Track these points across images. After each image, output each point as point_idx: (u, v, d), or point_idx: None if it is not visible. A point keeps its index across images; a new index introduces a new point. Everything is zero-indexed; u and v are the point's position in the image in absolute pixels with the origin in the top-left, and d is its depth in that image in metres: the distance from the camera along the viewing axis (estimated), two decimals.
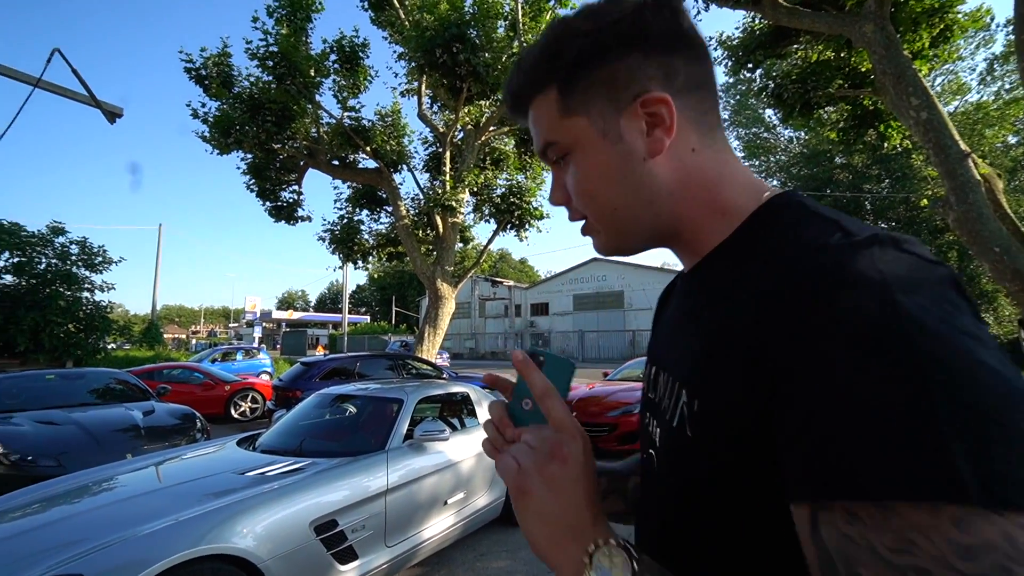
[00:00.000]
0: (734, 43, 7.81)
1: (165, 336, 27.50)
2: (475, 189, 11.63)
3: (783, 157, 26.02)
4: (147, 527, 2.16)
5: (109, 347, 15.68)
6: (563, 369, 0.51)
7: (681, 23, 0.51)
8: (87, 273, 13.74)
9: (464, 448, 3.76)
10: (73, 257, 13.51)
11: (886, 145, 8.14)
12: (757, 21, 7.36)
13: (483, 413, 4.35)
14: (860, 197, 23.25)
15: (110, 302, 14.84)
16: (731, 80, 22.52)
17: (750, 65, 7.74)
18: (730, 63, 7.89)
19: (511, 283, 39.33)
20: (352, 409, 4.14)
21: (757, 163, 26.27)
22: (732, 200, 0.52)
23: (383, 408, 3.85)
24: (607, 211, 0.53)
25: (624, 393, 6.66)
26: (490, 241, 12.38)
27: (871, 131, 7.94)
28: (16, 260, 12.65)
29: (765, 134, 25.94)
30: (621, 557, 0.42)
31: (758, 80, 8.53)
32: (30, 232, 13.04)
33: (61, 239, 13.42)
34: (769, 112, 20.59)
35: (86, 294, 13.74)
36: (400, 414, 3.59)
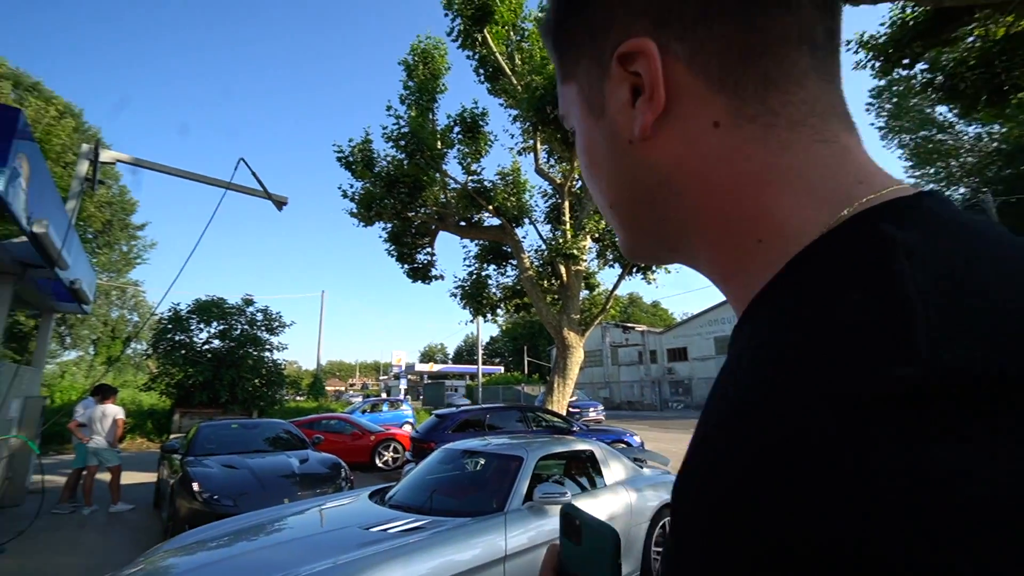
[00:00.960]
0: (880, 41, 6.83)
1: (327, 388, 31.19)
2: (596, 235, 11.56)
3: (971, 159, 21.62)
4: (285, 574, 2.31)
5: (284, 399, 18.21)
6: (603, 538, 0.49)
7: None
8: (268, 336, 16.37)
9: (590, 511, 3.48)
10: (258, 323, 16.25)
11: None
12: (909, 11, 6.37)
13: (609, 473, 4.04)
14: None
15: (285, 360, 17.37)
16: (882, 83, 19.75)
17: (906, 61, 6.66)
18: (878, 64, 6.89)
19: (644, 328, 37.72)
20: (474, 465, 4.13)
21: (933, 171, 22.23)
22: (778, 210, 0.30)
23: (503, 466, 3.77)
24: (603, 206, 0.39)
25: None
26: (616, 286, 12.07)
27: None
28: (221, 328, 15.60)
29: (940, 136, 22.00)
30: None
31: (919, 76, 7.29)
32: (230, 304, 16.07)
33: (250, 308, 16.30)
34: (942, 109, 17.44)
35: (267, 354, 16.29)
36: (520, 473, 3.47)
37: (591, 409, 19.67)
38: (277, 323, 16.49)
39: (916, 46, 6.34)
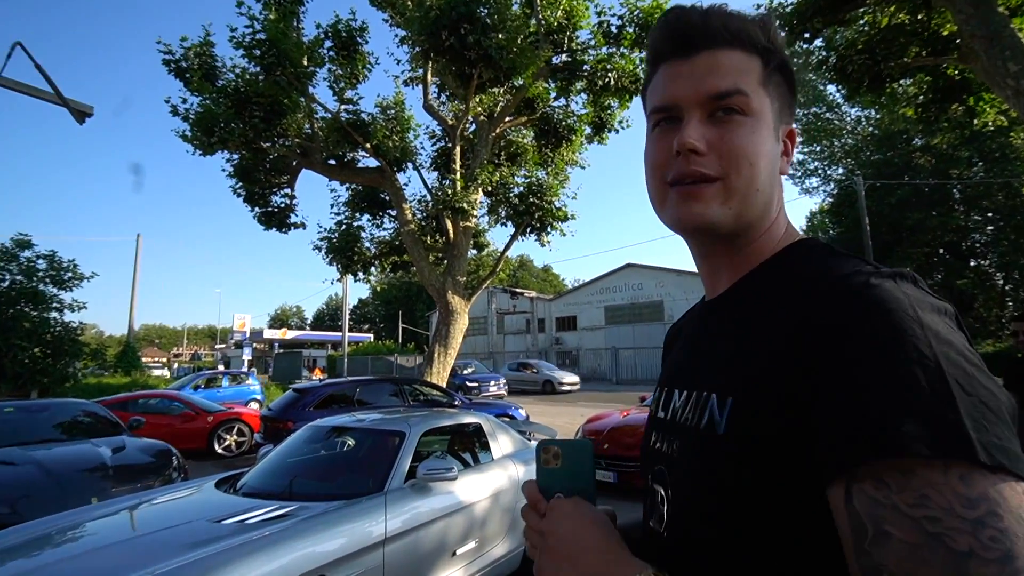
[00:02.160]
0: (787, 10, 7.69)
1: (144, 360, 28.16)
2: (489, 188, 11.65)
3: (850, 140, 25.50)
4: None
5: (79, 373, 16.05)
6: (582, 450, 0.66)
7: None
8: (55, 291, 14.14)
9: (477, 488, 3.68)
10: (40, 273, 13.93)
11: (976, 122, 7.89)
12: None
13: (497, 447, 4.27)
14: (946, 185, 22.57)
15: (81, 323, 15.23)
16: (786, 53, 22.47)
17: (807, 35, 7.60)
18: (783, 33, 7.77)
19: (533, 294, 39.29)
20: (348, 444, 4.10)
21: (819, 148, 25.82)
22: (782, 229, 0.68)
23: (382, 442, 3.80)
24: (752, 184, 0.63)
25: None
26: (507, 247, 12.37)
27: (957, 106, 7.72)
28: None
29: (828, 114, 25.50)
30: None
31: (816, 53, 8.37)
32: None
33: (27, 253, 13.86)
34: (832, 88, 20.24)
35: (54, 314, 14.14)
36: (402, 450, 3.53)
37: (492, 383, 19.57)
38: (69, 274, 14.30)
39: (817, 21, 7.25)
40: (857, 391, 0.46)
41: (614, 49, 11.59)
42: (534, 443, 4.82)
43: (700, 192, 0.62)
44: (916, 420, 0.43)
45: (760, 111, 0.63)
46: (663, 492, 0.65)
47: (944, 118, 8.12)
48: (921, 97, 7.97)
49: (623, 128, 12.28)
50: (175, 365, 43.02)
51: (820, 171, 26.20)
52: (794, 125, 0.70)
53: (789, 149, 0.69)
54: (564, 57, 11.89)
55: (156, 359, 47.62)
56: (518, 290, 40.80)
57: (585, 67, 11.36)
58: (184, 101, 10.28)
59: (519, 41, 9.59)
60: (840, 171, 26.05)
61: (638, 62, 11.18)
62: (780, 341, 0.54)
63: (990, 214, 23.62)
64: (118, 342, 25.74)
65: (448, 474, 3.33)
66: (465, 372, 20.70)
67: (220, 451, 9.76)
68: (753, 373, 0.56)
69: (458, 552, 3.40)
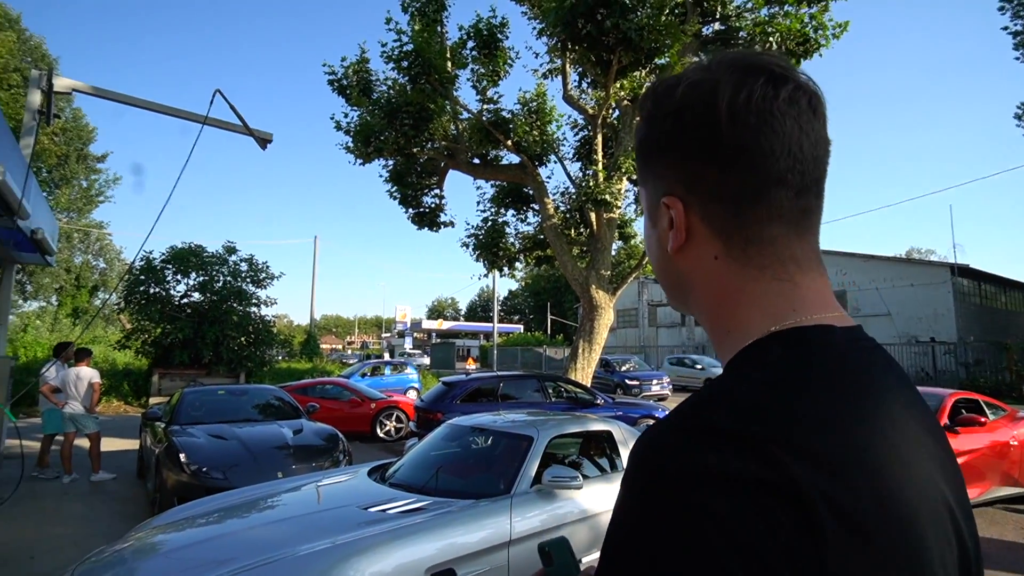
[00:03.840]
0: None
1: (322, 347, 32.28)
2: (634, 176, 11.46)
3: None
4: (280, 553, 2.65)
5: (273, 360, 19.04)
6: (561, 545, 0.90)
7: (721, 133, 0.56)
8: (254, 289, 16.96)
9: (603, 498, 3.78)
10: (243, 274, 16.81)
11: None
12: None
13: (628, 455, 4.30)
14: None
15: (275, 316, 18.06)
16: None
17: None
18: None
19: None
20: (482, 443, 4.45)
21: None
22: (743, 321, 0.58)
23: (512, 446, 4.07)
24: (655, 274, 0.69)
25: None
26: None
27: None
28: (201, 279, 16.22)
29: None
30: None
31: None
32: (210, 253, 16.61)
33: (233, 258, 16.83)
34: None
35: (254, 309, 16.95)
36: (529, 454, 3.76)
37: (654, 380, 18.45)
38: (264, 274, 17.05)
39: None
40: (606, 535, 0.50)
41: (776, 8, 10.65)
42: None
43: None
44: None
45: (643, 203, 0.69)
46: None
47: None
48: None
49: None
50: (348, 351, 48.75)
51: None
52: (670, 198, 0.61)
53: (671, 219, 0.60)
54: (716, 26, 11.22)
55: (333, 346, 54.39)
56: None
57: (741, 34, 10.63)
58: (346, 116, 11.65)
59: (662, 17, 9.27)
60: None
61: (807, 19, 10.15)
62: None
63: None
64: (302, 331, 29.89)
65: (573, 483, 3.48)
66: (623, 369, 19.85)
67: (381, 435, 10.99)
68: None
69: (582, 560, 3.54)
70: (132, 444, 9.79)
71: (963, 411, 6.70)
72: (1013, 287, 29.97)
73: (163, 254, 16.13)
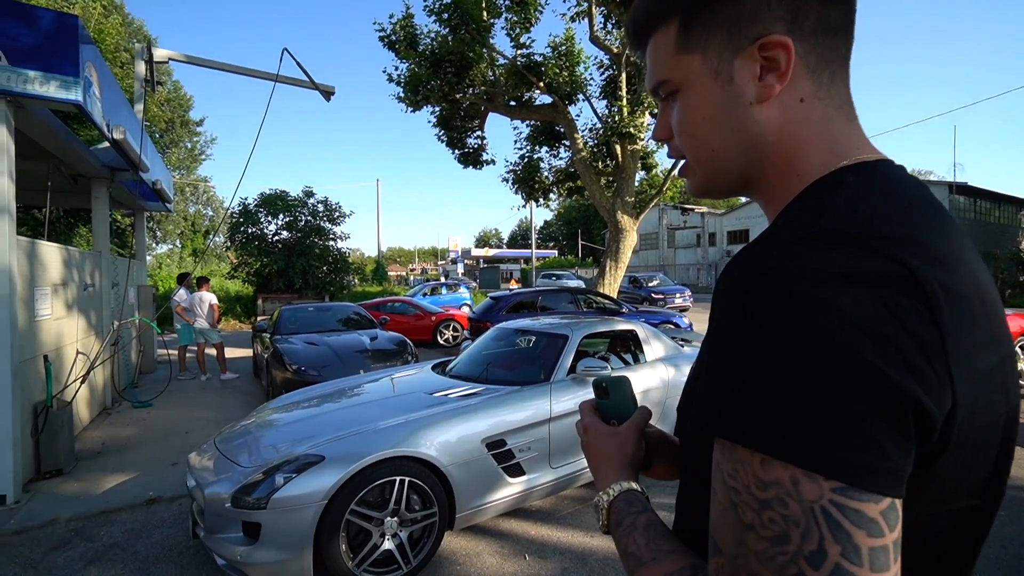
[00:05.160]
0: None
1: (389, 273, 33.09)
2: (655, 110, 10.78)
3: None
4: (365, 427, 2.84)
5: (351, 285, 19.70)
6: (621, 383, 0.78)
7: None
8: (330, 226, 17.27)
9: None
10: (320, 214, 17.08)
11: None
12: None
13: (651, 351, 4.32)
14: None
15: (349, 249, 18.49)
16: None
17: None
18: None
19: (704, 210, 36.11)
20: (525, 342, 4.54)
21: None
22: (809, 163, 0.51)
23: (551, 342, 4.13)
24: (705, 152, 0.56)
25: None
26: (674, 166, 11.49)
27: None
28: (287, 219, 16.60)
29: None
30: (605, 497, 0.64)
31: None
32: (293, 196, 16.86)
33: (312, 200, 17.05)
34: None
35: (331, 243, 17.35)
36: (565, 349, 3.82)
37: (678, 295, 17.76)
38: (338, 213, 17.29)
39: None
40: (709, 368, 0.45)
41: None
42: (687, 349, 4.76)
43: (684, 172, 0.61)
44: (737, 409, 0.41)
45: (686, 78, 0.54)
46: None
47: None
48: None
49: None
50: (411, 278, 49.87)
51: None
52: (778, 36, 0.49)
53: (777, 61, 0.49)
54: None
55: (398, 273, 55.74)
56: (688, 206, 37.83)
57: None
58: (396, 68, 11.22)
59: None
60: None
61: None
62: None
63: None
64: (372, 261, 30.59)
65: (603, 372, 3.54)
66: (651, 284, 19.31)
67: (441, 342, 11.39)
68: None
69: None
70: (247, 352, 10.50)
71: None
72: (1008, 202, 27.60)
73: (255, 200, 16.51)
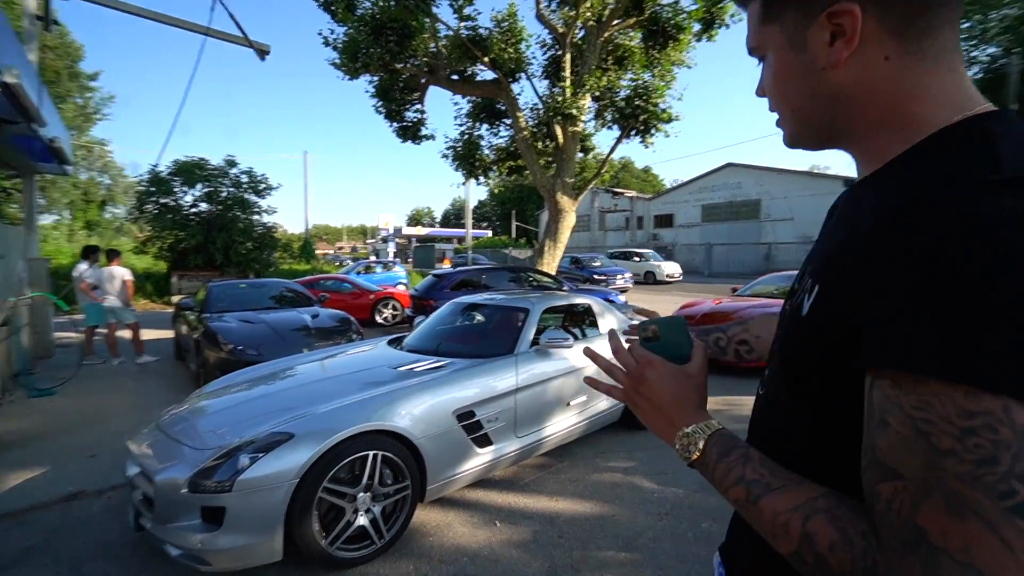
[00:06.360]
0: None
1: (317, 252, 31.53)
2: (597, 93, 10.94)
3: (1013, 11, 19.41)
4: (333, 403, 2.71)
5: (277, 262, 18.54)
6: (676, 324, 0.74)
7: None
8: (255, 199, 16.05)
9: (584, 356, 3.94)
10: (244, 185, 15.81)
11: None
12: None
13: (604, 323, 4.47)
14: None
15: (275, 223, 17.31)
16: None
17: None
18: None
19: (633, 194, 37.53)
20: (482, 317, 4.52)
21: (969, 25, 20.12)
22: (921, 114, 0.53)
23: (511, 316, 4.15)
24: (787, 111, 0.63)
25: (751, 310, 6.26)
26: (613, 149, 11.80)
27: None
28: (206, 190, 15.20)
29: None
30: (700, 432, 0.66)
31: None
32: (213, 166, 15.45)
33: (234, 170, 15.72)
34: None
35: (256, 217, 16.16)
36: (527, 322, 3.85)
37: (619, 276, 17.76)
38: (264, 185, 16.08)
39: None
40: (894, 305, 0.44)
41: None
42: (634, 322, 4.98)
43: (779, 124, 0.66)
44: (935, 342, 0.41)
45: (769, 46, 0.61)
46: (773, 360, 0.70)
47: None
48: None
49: (736, 22, 10.61)
50: (341, 256, 47.77)
51: (964, 52, 20.37)
52: (845, 4, 0.52)
53: (844, 28, 0.53)
54: None
55: (324, 251, 53.20)
56: (619, 190, 39.13)
57: None
58: (332, 32, 10.51)
59: None
60: (991, 50, 20.34)
61: None
62: (858, 250, 0.50)
63: None
64: (298, 238, 28.94)
65: (565, 343, 3.61)
66: (594, 265, 19.52)
67: (380, 321, 11.07)
68: (835, 272, 0.53)
69: (571, 403, 3.76)
70: (164, 333, 9.62)
71: None
72: None
73: (169, 167, 14.95)
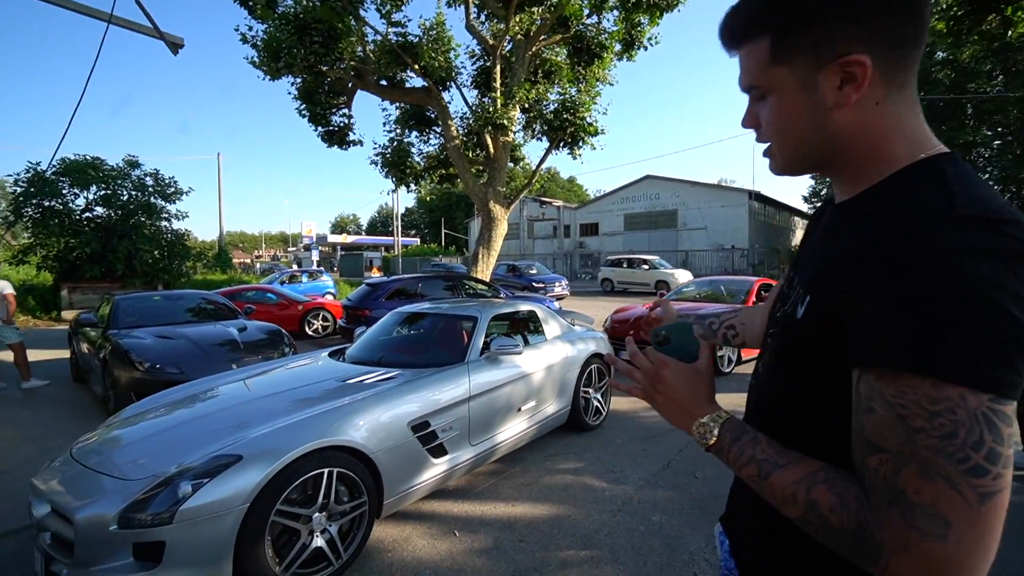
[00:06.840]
0: None
1: (234, 261, 29.37)
2: (526, 105, 11.18)
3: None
4: (280, 421, 2.54)
5: (190, 271, 17.04)
6: (683, 329, 0.85)
7: None
8: (163, 203, 14.68)
9: (534, 361, 4.02)
10: (149, 188, 14.40)
11: (1011, 33, 6.91)
12: None
13: (549, 330, 4.56)
14: (961, 99, 20.36)
15: (186, 230, 15.92)
16: None
17: None
18: None
19: (560, 203, 38.61)
20: (430, 325, 4.45)
21: None
22: (896, 152, 0.63)
23: (458, 325, 4.13)
24: (789, 147, 0.70)
25: (685, 312, 6.63)
26: (542, 160, 12.08)
27: (993, 17, 6.73)
28: (103, 193, 13.65)
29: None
30: (714, 421, 0.74)
31: None
32: (111, 166, 13.92)
33: (137, 172, 14.28)
34: None
35: (164, 223, 14.78)
36: (476, 330, 3.84)
37: (556, 283, 17.90)
38: (172, 189, 14.75)
39: None
40: (877, 316, 0.54)
41: None
42: (577, 328, 5.11)
43: (767, 154, 0.73)
44: (909, 345, 0.51)
45: (775, 86, 0.66)
46: (765, 354, 0.80)
47: (977, 31, 7.18)
48: (955, 9, 7.02)
49: (652, 45, 11.32)
50: (257, 265, 44.77)
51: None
52: (858, 55, 0.59)
53: (855, 75, 0.60)
54: None
55: (241, 260, 49.58)
56: (546, 199, 40.10)
57: None
58: (251, 29, 9.91)
59: None
60: None
61: None
62: (842, 267, 0.59)
63: (1000, 128, 21.44)
64: (210, 246, 26.78)
65: (515, 349, 3.65)
66: (531, 273, 19.47)
67: (311, 333, 10.52)
68: (824, 285, 0.63)
69: (521, 408, 3.80)
70: (55, 353, 8.52)
71: (764, 292, 7.81)
72: (783, 209, 34.36)
73: (55, 167, 13.25)
